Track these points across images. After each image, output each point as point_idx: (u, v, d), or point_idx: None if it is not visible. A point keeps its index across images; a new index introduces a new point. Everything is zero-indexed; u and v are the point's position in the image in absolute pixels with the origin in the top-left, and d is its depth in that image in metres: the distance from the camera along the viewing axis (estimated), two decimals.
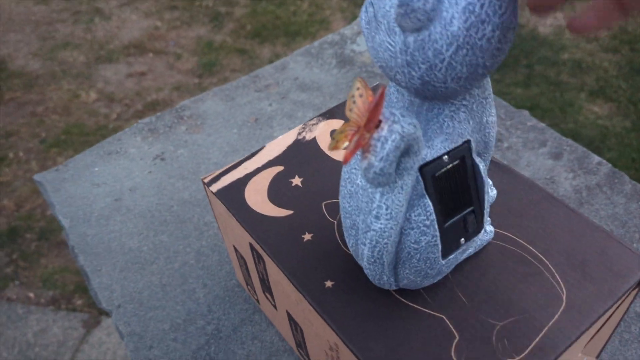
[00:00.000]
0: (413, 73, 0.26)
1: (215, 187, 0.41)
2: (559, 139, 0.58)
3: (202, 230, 0.54)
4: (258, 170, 0.41)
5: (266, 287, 0.41)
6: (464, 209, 0.30)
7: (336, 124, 0.44)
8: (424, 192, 0.28)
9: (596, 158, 0.55)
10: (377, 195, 0.28)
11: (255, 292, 0.46)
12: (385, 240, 0.29)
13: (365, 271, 0.32)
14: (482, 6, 0.23)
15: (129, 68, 1.96)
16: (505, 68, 1.76)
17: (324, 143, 0.43)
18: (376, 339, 0.31)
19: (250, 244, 0.38)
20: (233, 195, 0.40)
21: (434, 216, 0.29)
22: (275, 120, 0.63)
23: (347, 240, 0.33)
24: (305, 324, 0.37)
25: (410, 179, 0.27)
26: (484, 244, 0.35)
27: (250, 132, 0.62)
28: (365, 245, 0.29)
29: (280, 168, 0.41)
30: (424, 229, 0.29)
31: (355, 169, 0.30)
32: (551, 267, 0.34)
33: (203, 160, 0.60)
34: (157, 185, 0.58)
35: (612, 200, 0.52)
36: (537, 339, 0.31)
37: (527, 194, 0.38)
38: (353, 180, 0.30)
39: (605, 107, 1.66)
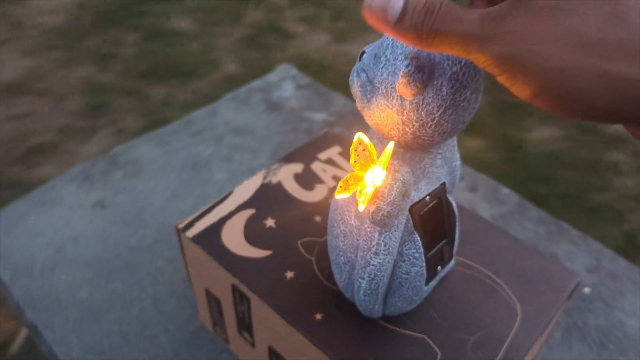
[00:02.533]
0: (407, 129, 0.30)
1: (190, 233, 0.42)
2: (473, 174, 0.66)
3: (155, 275, 0.54)
4: (231, 214, 0.44)
5: (245, 326, 0.43)
6: (441, 241, 0.36)
7: (296, 167, 0.48)
8: (413, 229, 0.33)
9: (505, 190, 0.64)
10: (376, 234, 0.32)
11: (225, 332, 0.47)
12: (382, 273, 0.33)
13: (359, 302, 0.35)
14: (463, 75, 0.29)
15: (8, 110, 1.84)
16: None
17: (289, 186, 0.46)
18: None
19: (233, 285, 0.40)
20: (210, 240, 0.42)
21: (422, 249, 0.33)
22: (213, 164, 0.65)
23: (337, 275, 0.36)
24: (292, 356, 0.39)
25: (403, 218, 0.32)
26: (448, 270, 0.40)
27: (189, 176, 0.64)
28: (363, 279, 0.33)
29: (252, 211, 0.44)
30: (414, 260, 0.33)
31: (348, 211, 0.34)
32: (503, 286, 0.40)
33: (145, 206, 0.60)
34: (100, 233, 0.57)
35: (523, 225, 0.60)
36: (504, 348, 0.36)
37: (473, 224, 0.44)
38: (347, 221, 0.34)
39: (480, 141, 1.85)
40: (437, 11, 0.23)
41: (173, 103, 1.95)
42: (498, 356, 0.36)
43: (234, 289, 0.41)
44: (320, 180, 0.47)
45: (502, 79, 0.23)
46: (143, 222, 0.59)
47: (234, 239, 0.42)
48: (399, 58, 0.29)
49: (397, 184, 0.29)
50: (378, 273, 0.33)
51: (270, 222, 0.43)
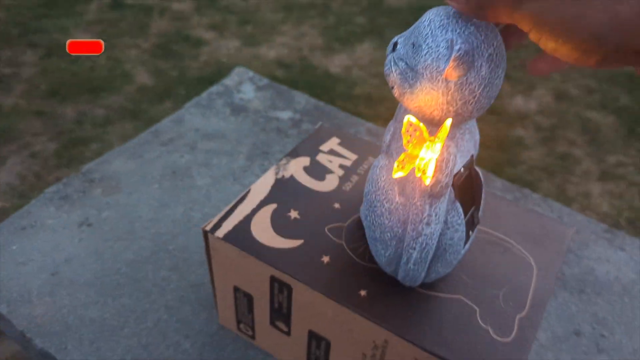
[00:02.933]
0: (450, 108, 0.34)
1: (220, 233, 0.43)
2: None
3: (161, 286, 0.54)
4: (255, 211, 0.45)
5: (281, 316, 0.45)
6: (471, 207, 0.40)
7: (303, 160, 0.50)
8: (455, 198, 0.37)
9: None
10: (427, 207, 0.35)
11: (252, 328, 0.48)
12: (433, 242, 0.36)
13: (406, 273, 0.38)
14: (496, 55, 0.33)
15: None
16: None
17: (302, 178, 0.48)
18: (419, 326, 0.38)
19: (272, 277, 0.42)
20: (242, 236, 0.43)
21: (462, 216, 0.37)
22: (193, 170, 0.66)
23: (382, 251, 0.39)
24: (337, 337, 0.42)
25: (447, 189, 0.35)
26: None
27: (172, 185, 0.64)
28: (414, 249, 0.36)
29: (274, 206, 0.46)
30: (457, 227, 0.37)
31: (391, 190, 0.37)
32: (514, 244, 0.45)
33: (135, 219, 0.60)
34: (94, 252, 0.56)
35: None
36: (530, 296, 0.41)
37: None
38: (391, 199, 0.37)
39: None
40: None
41: (87, 120, 1.87)
42: (527, 304, 0.40)
43: (273, 280, 0.42)
44: (329, 170, 0.49)
45: (532, 36, 0.28)
46: (136, 235, 0.58)
47: (264, 233, 0.43)
48: (442, 45, 0.32)
49: (451, 157, 0.33)
50: (429, 242, 0.36)
51: (294, 214, 0.45)
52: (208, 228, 0.44)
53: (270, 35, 2.39)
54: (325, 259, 0.42)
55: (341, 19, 2.49)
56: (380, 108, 2.02)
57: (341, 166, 0.50)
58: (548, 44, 0.27)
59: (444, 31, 0.32)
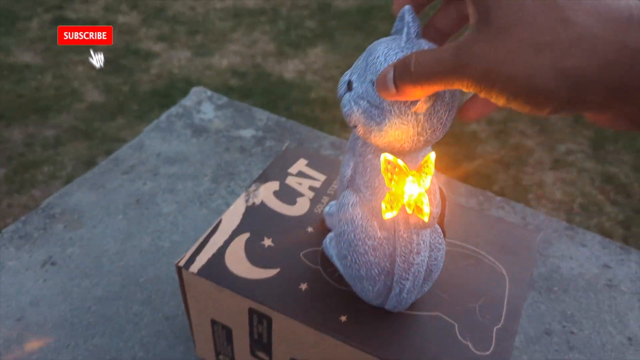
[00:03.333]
0: (421, 138, 0.34)
1: (194, 268, 0.43)
2: None
3: (135, 321, 0.53)
4: (228, 242, 0.45)
5: (261, 346, 0.44)
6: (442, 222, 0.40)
7: (272, 185, 0.50)
8: None
9: None
10: (414, 236, 0.35)
11: (232, 358, 0.48)
12: (423, 267, 0.36)
13: (397, 302, 0.38)
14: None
15: None
16: (272, 111, 1.95)
17: (273, 204, 0.48)
18: (401, 347, 0.38)
19: (251, 309, 0.42)
20: (217, 270, 0.42)
21: (442, 234, 0.38)
22: (157, 197, 0.64)
23: (369, 287, 0.39)
24: None
25: None
26: None
27: (137, 214, 0.62)
28: (407, 279, 0.37)
29: (247, 235, 0.45)
30: (439, 246, 0.38)
31: (370, 227, 0.37)
32: (485, 255, 0.46)
33: (101, 253, 0.58)
34: (60, 292, 0.54)
35: (458, 200, 0.67)
36: (505, 306, 0.42)
37: None
38: (373, 236, 0.37)
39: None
40: (413, 63, 0.29)
41: (37, 143, 1.81)
42: (502, 315, 0.41)
43: (251, 312, 0.42)
44: (299, 194, 0.49)
45: (482, 95, 0.28)
46: (103, 270, 0.56)
47: (239, 264, 0.43)
48: None
49: (437, 187, 0.33)
50: (420, 269, 0.36)
51: (268, 242, 0.45)
52: (182, 264, 0.43)
53: (222, 44, 2.37)
54: (303, 286, 0.42)
55: (291, 24, 2.49)
56: (336, 112, 2.03)
57: (311, 188, 0.50)
58: (499, 100, 0.27)
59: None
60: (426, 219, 0.33)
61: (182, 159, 0.70)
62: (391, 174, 0.33)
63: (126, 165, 0.68)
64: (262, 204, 0.48)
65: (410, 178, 0.33)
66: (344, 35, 2.40)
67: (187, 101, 0.79)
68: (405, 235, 0.35)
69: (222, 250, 0.44)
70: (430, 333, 0.40)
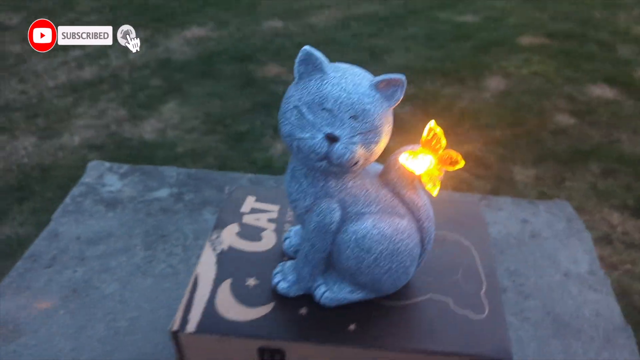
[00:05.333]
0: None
1: (191, 328, 0.42)
2: None
3: None
4: (213, 293, 0.44)
5: None
6: None
7: (232, 228, 0.50)
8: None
9: None
10: (421, 200, 0.40)
11: None
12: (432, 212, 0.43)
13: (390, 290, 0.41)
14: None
15: None
16: None
17: (241, 246, 0.48)
18: (410, 334, 0.41)
19: (261, 349, 0.41)
20: (215, 322, 0.42)
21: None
22: (95, 280, 0.60)
23: (410, 270, 0.42)
24: None
25: None
26: None
27: (79, 304, 0.58)
28: (431, 229, 0.42)
29: (229, 280, 0.45)
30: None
31: (396, 226, 0.40)
32: (447, 232, 0.50)
33: (56, 355, 0.53)
34: None
35: None
36: (481, 271, 0.46)
37: None
38: (403, 230, 0.41)
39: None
40: None
41: None
42: (482, 279, 0.46)
43: (262, 351, 0.42)
44: (261, 229, 0.50)
45: None
46: None
47: (234, 310, 0.43)
48: (372, 92, 0.36)
49: None
50: (431, 213, 0.44)
51: (252, 281, 0.45)
52: (175, 328, 0.42)
53: (67, 122, 2.23)
54: (303, 310, 0.43)
55: (137, 85, 2.43)
56: (209, 158, 2.02)
57: (270, 220, 0.51)
58: None
59: (359, 84, 0.36)
60: (435, 193, 0.37)
61: (106, 236, 0.66)
62: (435, 142, 0.36)
63: (46, 258, 0.63)
64: (230, 248, 0.48)
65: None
66: (192, 85, 2.39)
67: (87, 178, 0.75)
68: (420, 203, 0.40)
69: (211, 302, 0.43)
70: (432, 314, 0.43)
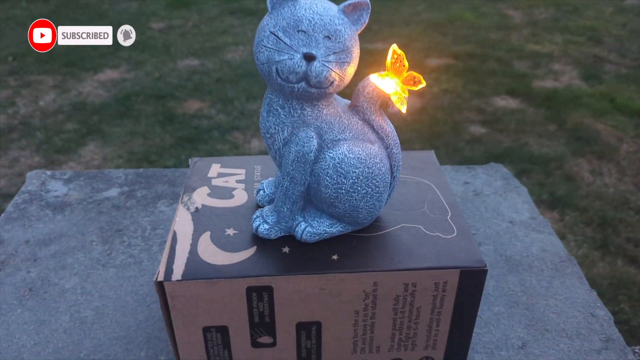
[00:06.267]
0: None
1: (177, 275, 0.41)
2: None
3: None
4: (195, 244, 0.44)
5: (264, 327, 0.44)
6: None
7: (203, 190, 0.50)
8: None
9: None
10: (388, 126, 0.44)
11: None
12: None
13: (366, 220, 0.43)
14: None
15: None
16: None
17: (213, 203, 0.49)
18: (393, 257, 0.43)
19: (249, 288, 0.42)
20: (200, 268, 0.42)
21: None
22: (52, 277, 0.58)
23: (382, 198, 0.45)
24: (326, 311, 0.44)
25: None
26: None
27: (38, 301, 0.55)
28: (400, 156, 0.45)
29: (208, 233, 0.46)
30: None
31: (367, 150, 0.43)
32: (407, 176, 0.53)
33: (19, 351, 0.50)
34: None
35: None
36: (444, 203, 0.50)
37: None
38: (375, 154, 0.43)
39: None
40: None
41: None
42: (447, 208, 0.49)
43: (250, 291, 0.42)
44: (231, 189, 0.51)
45: None
46: None
47: (217, 256, 0.43)
48: (341, 15, 0.39)
49: None
50: (397, 140, 0.47)
51: (231, 231, 0.46)
52: (160, 278, 0.41)
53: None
54: (285, 249, 0.44)
55: (51, 131, 2.34)
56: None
57: (239, 181, 0.52)
58: None
59: (329, 8, 0.39)
60: (404, 110, 0.39)
61: (58, 237, 0.64)
62: (398, 64, 0.39)
63: None
64: (204, 206, 0.49)
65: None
66: (111, 126, 2.33)
67: (29, 186, 0.73)
68: (389, 130, 0.43)
69: (194, 252, 0.43)
70: (407, 239, 0.45)
